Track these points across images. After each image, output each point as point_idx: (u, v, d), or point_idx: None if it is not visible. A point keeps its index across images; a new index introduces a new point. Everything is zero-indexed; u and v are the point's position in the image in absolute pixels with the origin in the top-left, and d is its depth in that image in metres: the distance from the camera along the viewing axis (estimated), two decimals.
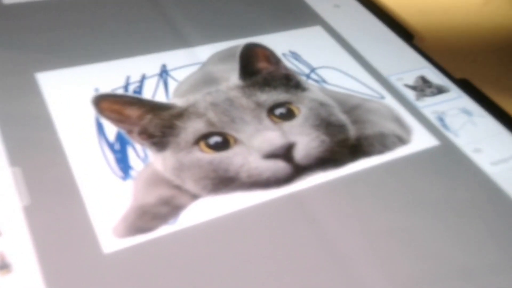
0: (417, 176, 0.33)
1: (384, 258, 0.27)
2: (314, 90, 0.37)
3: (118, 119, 0.32)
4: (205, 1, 0.44)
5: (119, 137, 0.30)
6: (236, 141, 0.32)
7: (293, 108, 0.35)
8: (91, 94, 0.33)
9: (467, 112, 0.39)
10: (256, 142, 0.32)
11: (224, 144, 0.31)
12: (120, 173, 0.28)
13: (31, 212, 0.26)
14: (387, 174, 0.33)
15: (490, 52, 0.47)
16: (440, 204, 0.31)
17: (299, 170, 0.31)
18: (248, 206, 0.28)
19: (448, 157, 0.35)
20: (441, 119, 0.38)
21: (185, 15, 0.41)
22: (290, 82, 0.38)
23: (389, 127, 0.36)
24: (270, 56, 0.39)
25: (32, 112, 0.31)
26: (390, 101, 0.38)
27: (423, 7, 0.52)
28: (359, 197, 0.31)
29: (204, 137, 0.31)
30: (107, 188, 0.28)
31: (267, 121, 0.33)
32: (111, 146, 0.30)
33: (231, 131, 0.32)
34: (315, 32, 0.43)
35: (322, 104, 0.36)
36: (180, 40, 0.38)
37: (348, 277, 0.26)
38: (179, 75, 0.36)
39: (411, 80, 0.41)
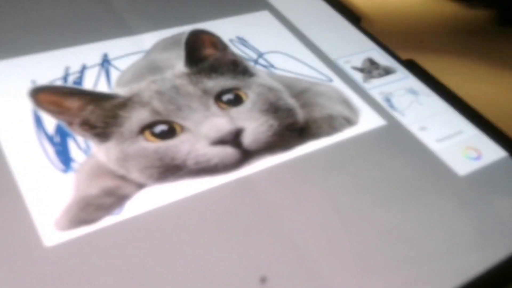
0: (365, 156, 0.33)
1: (333, 237, 0.27)
2: (262, 75, 0.37)
3: (58, 111, 0.30)
4: None
5: (59, 129, 0.29)
6: (183, 129, 0.31)
7: (241, 94, 0.35)
8: (27, 87, 0.31)
9: (413, 92, 0.40)
10: (204, 129, 0.31)
11: (170, 132, 0.30)
12: (60, 166, 0.27)
13: None
14: (335, 155, 0.33)
15: (435, 33, 0.48)
16: (389, 182, 0.32)
17: (247, 155, 0.31)
18: (196, 192, 0.28)
19: (395, 136, 0.35)
20: (388, 100, 0.38)
21: (127, 1, 0.40)
22: (237, 68, 0.37)
23: (337, 109, 0.36)
24: (216, 42, 0.38)
25: None
26: (338, 83, 0.38)
27: None
28: (308, 179, 0.31)
29: (149, 126, 0.30)
30: (47, 182, 0.26)
31: (214, 108, 0.33)
32: (50, 138, 0.29)
33: (177, 119, 0.31)
34: (262, 17, 0.42)
35: (270, 89, 0.36)
36: (122, 28, 0.37)
37: (298, 257, 0.26)
38: (122, 64, 0.34)
39: (358, 62, 0.41)
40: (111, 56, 0.35)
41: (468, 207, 0.31)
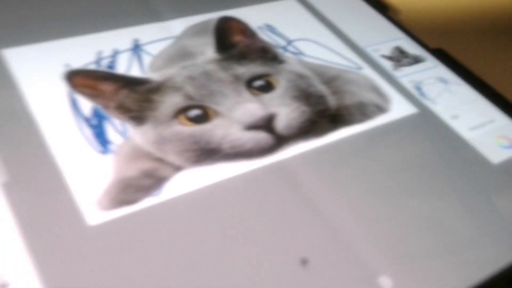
0: (398, 143, 0.33)
1: (369, 220, 0.27)
2: (291, 62, 0.37)
3: (93, 95, 0.30)
4: None
5: (96, 112, 0.29)
6: (216, 113, 0.31)
7: (272, 80, 0.34)
8: (62, 70, 0.31)
9: (443, 81, 0.39)
10: (237, 114, 0.31)
11: (204, 116, 0.30)
12: (99, 148, 0.27)
13: (10, 189, 0.24)
14: (367, 142, 0.33)
15: (464, 21, 0.48)
16: (422, 170, 0.32)
17: (281, 140, 0.31)
18: (232, 176, 0.28)
19: (427, 124, 0.35)
20: (418, 88, 0.38)
21: None
22: (267, 54, 0.37)
23: (368, 96, 0.36)
24: (245, 29, 0.38)
25: (1, 91, 0.29)
26: (368, 71, 0.38)
27: None
28: (343, 165, 0.31)
29: (183, 110, 0.30)
30: (87, 163, 0.26)
31: (246, 94, 0.32)
32: (87, 121, 0.29)
33: (210, 104, 0.31)
34: (290, 5, 0.42)
35: (300, 76, 0.36)
36: (152, 14, 0.37)
37: (337, 240, 0.26)
38: (153, 50, 0.34)
39: (387, 51, 0.41)
40: (142, 41, 0.35)
41: (502, 195, 0.31)
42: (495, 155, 0.33)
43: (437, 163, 0.32)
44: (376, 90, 0.36)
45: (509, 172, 0.32)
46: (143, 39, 0.35)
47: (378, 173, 0.31)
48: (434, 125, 0.35)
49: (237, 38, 0.38)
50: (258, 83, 0.34)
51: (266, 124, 0.31)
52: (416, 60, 0.40)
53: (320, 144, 0.31)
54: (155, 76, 0.33)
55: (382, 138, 0.33)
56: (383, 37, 0.42)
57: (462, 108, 0.36)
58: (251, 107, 0.32)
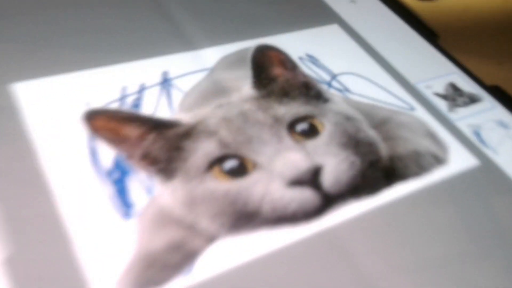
0: (457, 202, 0.29)
1: None
2: (337, 101, 0.33)
3: (116, 140, 0.26)
4: None
5: (118, 164, 0.25)
6: (254, 165, 0.27)
7: (316, 123, 0.30)
8: (81, 109, 0.28)
9: (504, 125, 0.35)
10: (278, 165, 0.27)
11: (241, 169, 0.26)
12: (120, 210, 0.23)
13: (12, 266, 0.21)
14: (425, 201, 0.28)
15: None
16: (484, 235, 0.28)
17: (329, 200, 0.26)
18: (275, 248, 0.24)
19: (489, 179, 0.31)
20: (477, 134, 0.34)
21: (189, 14, 0.35)
22: (310, 91, 0.33)
23: (424, 144, 0.32)
24: (285, 61, 0.34)
25: (8, 133, 0.25)
26: (422, 113, 0.34)
27: (441, 4, 0.48)
28: (398, 229, 0.26)
29: (218, 161, 0.26)
30: (105, 230, 0.22)
31: (288, 140, 0.28)
32: (108, 174, 0.25)
33: (248, 153, 0.27)
34: (332, 31, 0.38)
35: (348, 118, 0.32)
36: (184, 42, 0.33)
37: None
38: (184, 84, 0.30)
39: (440, 88, 0.37)
40: (172, 74, 0.31)
41: None
42: None
43: (503, 227, 0.28)
44: (432, 136, 0.32)
45: None
46: (173, 71, 0.31)
47: (438, 238, 0.26)
48: (498, 180, 0.31)
49: (277, 70, 0.34)
50: (301, 126, 0.30)
51: (311, 178, 0.27)
52: (472, 99, 0.36)
53: (373, 204, 0.27)
54: (185, 117, 0.29)
55: (440, 197, 0.29)
56: (434, 71, 0.38)
57: None
58: (294, 158, 0.28)
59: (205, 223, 0.24)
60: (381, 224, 0.26)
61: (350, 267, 0.24)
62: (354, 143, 0.30)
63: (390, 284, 0.24)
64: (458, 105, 0.35)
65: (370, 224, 0.26)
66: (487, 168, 0.31)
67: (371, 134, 0.31)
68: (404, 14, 0.42)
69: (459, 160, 0.31)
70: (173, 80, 0.31)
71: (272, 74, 0.33)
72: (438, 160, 0.31)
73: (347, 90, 0.34)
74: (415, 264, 0.25)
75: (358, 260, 0.24)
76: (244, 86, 0.31)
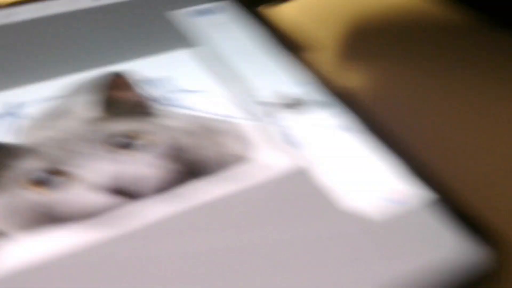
0: (258, 199, 0.33)
1: None
2: (170, 117, 0.38)
3: None
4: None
5: None
6: (69, 176, 0.32)
7: (141, 136, 0.35)
8: None
9: (332, 127, 0.38)
10: (90, 174, 0.32)
11: (55, 180, 0.32)
12: None
13: None
14: (231, 201, 0.33)
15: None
16: (290, 229, 0.31)
17: (134, 201, 0.31)
18: (76, 249, 0.29)
19: (299, 178, 0.34)
20: (286, 135, 0.37)
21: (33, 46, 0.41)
22: (145, 109, 0.38)
23: (231, 146, 0.36)
24: (125, 84, 0.39)
25: None
26: (239, 119, 0.38)
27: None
28: (203, 229, 0.31)
29: (32, 174, 0.32)
30: None
31: (108, 152, 0.34)
32: None
33: (66, 167, 0.32)
34: (181, 56, 0.43)
35: (171, 130, 0.36)
36: (35, 73, 0.39)
37: None
38: (34, 112, 0.36)
39: (265, 97, 0.40)
40: (21, 104, 0.37)
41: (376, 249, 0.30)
42: (381, 210, 0.32)
43: (307, 220, 0.32)
44: (242, 139, 0.36)
45: (394, 228, 0.31)
46: (24, 101, 0.37)
47: (237, 237, 0.31)
48: (305, 179, 0.34)
49: (117, 94, 0.39)
50: (125, 140, 0.35)
51: (120, 184, 0.32)
52: (314, 105, 0.40)
53: (178, 205, 0.31)
54: (22, 139, 0.35)
55: (238, 192, 0.33)
56: (265, 82, 0.42)
57: (344, 160, 0.35)
58: (106, 167, 0.33)
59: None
60: (186, 222, 0.31)
61: (148, 263, 0.29)
62: (173, 152, 0.35)
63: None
64: (279, 111, 0.39)
65: (174, 223, 0.31)
66: (296, 166, 0.35)
67: (190, 142, 0.36)
68: (262, 27, 0.46)
69: (264, 160, 0.35)
70: (23, 109, 0.37)
71: (112, 97, 0.39)
72: (242, 159, 0.35)
73: (183, 106, 0.39)
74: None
75: (160, 260, 0.29)
76: (85, 109, 0.37)
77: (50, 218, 0.30)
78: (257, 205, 0.32)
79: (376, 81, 0.45)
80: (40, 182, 0.31)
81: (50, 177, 0.32)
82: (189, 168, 0.34)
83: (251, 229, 0.31)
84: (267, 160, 0.35)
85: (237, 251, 0.30)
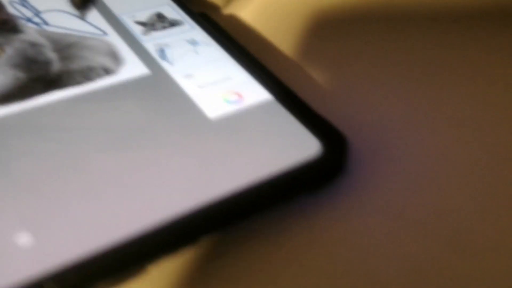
0: (117, 104, 0.34)
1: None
2: (29, 32, 0.38)
3: None
4: None
5: None
6: None
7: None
8: None
9: (193, 43, 0.40)
10: None
11: None
12: None
13: None
14: (84, 104, 0.34)
15: None
16: (140, 130, 0.33)
17: None
18: None
19: (155, 85, 0.36)
20: (161, 51, 0.39)
21: None
22: (5, 26, 0.38)
23: (100, 60, 0.37)
24: None
25: None
26: (113, 37, 0.39)
27: None
28: (48, 129, 0.32)
29: None
30: None
31: None
32: None
33: None
34: None
35: (32, 44, 0.37)
36: None
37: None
38: None
39: (144, 17, 0.42)
40: None
41: (213, 145, 0.33)
42: (217, 110, 0.35)
43: (157, 121, 0.33)
44: (113, 54, 0.38)
45: (227, 125, 0.34)
46: None
47: (91, 136, 0.32)
48: (163, 85, 0.36)
49: None
50: None
51: None
52: (173, 24, 0.42)
53: (20, 108, 0.32)
54: None
55: (100, 101, 0.34)
56: (145, 3, 0.43)
57: (201, 68, 0.38)
58: None
59: None
60: (27, 124, 0.32)
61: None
62: (28, 63, 0.35)
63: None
64: (155, 29, 0.41)
65: (11, 125, 0.31)
66: (156, 76, 0.36)
67: (50, 55, 0.37)
68: None
69: (129, 71, 0.37)
70: None
71: None
72: (108, 72, 0.36)
73: (46, 23, 0.39)
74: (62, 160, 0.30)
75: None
76: None
77: None
78: (109, 101, 0.34)
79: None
80: None
81: None
82: (49, 82, 0.34)
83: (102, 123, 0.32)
84: (130, 71, 0.36)
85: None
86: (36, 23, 0.38)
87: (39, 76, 0.34)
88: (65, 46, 0.37)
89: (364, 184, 0.33)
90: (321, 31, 0.44)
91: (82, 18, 0.39)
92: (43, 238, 0.26)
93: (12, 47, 0.35)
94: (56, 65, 0.35)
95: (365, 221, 0.31)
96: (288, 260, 0.29)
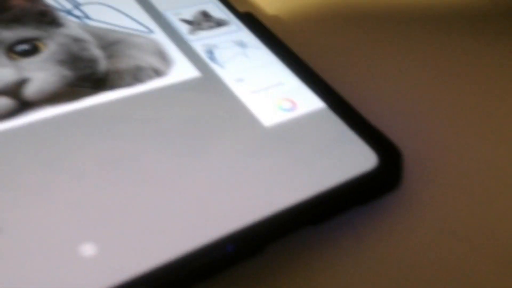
0: (169, 107, 0.32)
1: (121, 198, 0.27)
2: (71, 26, 0.35)
3: None
4: None
5: None
6: None
7: (40, 44, 0.33)
8: None
9: (241, 45, 0.38)
10: None
11: None
12: None
13: None
14: (135, 107, 0.32)
15: None
16: (191, 133, 0.31)
17: (24, 106, 0.29)
18: None
19: (206, 88, 0.34)
20: (210, 52, 0.37)
21: None
22: (44, 18, 0.35)
23: (148, 60, 0.35)
24: None
25: None
26: (159, 35, 0.37)
27: None
28: (98, 131, 0.30)
29: None
30: None
31: (2, 59, 0.31)
32: None
33: None
34: None
35: (75, 40, 0.34)
36: None
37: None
38: None
39: (189, 15, 0.40)
40: None
41: (270, 154, 0.31)
42: (272, 117, 0.33)
43: (208, 126, 0.32)
44: (161, 54, 0.35)
45: (282, 133, 0.32)
46: None
47: (143, 136, 0.30)
48: (214, 88, 0.34)
49: (15, 1, 0.36)
50: (22, 47, 0.32)
51: (14, 89, 0.30)
52: (219, 24, 0.40)
53: (71, 108, 0.30)
54: None
55: (153, 103, 0.32)
56: (189, 1, 0.41)
57: (251, 72, 0.36)
58: (2, 72, 0.30)
59: None
60: (79, 125, 0.29)
61: (38, 161, 0.27)
62: (73, 60, 0.33)
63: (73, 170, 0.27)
64: (202, 29, 0.39)
65: (65, 125, 0.29)
66: (207, 79, 0.34)
67: (96, 52, 0.34)
68: None
69: (180, 73, 0.34)
70: None
71: (8, 4, 0.35)
72: (158, 73, 0.34)
73: (87, 17, 0.37)
74: (111, 160, 0.28)
75: (54, 161, 0.27)
76: None
77: None
78: (159, 105, 0.32)
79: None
80: None
81: None
82: (97, 82, 0.32)
83: (158, 129, 0.30)
84: (181, 73, 0.34)
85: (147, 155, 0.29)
86: (77, 16, 0.36)
87: (86, 74, 0.32)
88: (111, 43, 0.34)
89: (416, 198, 0.32)
90: (369, 36, 0.43)
91: (125, 13, 0.37)
92: (108, 250, 0.24)
93: (55, 42, 0.33)
94: (103, 64, 0.33)
95: (416, 236, 0.30)
96: (335, 273, 0.28)
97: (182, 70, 0.35)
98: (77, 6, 0.36)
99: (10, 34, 0.32)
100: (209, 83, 0.35)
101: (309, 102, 0.35)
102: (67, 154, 0.28)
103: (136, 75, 0.33)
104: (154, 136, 0.30)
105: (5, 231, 0.23)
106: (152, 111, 0.32)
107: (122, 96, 0.32)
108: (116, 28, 0.36)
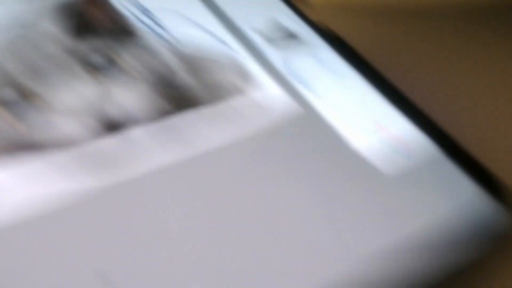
0: (257, 134, 0.29)
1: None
2: (146, 37, 0.33)
3: None
4: None
5: None
6: (35, 95, 0.27)
7: (116, 57, 0.30)
8: None
9: (318, 60, 0.36)
10: (62, 96, 0.27)
11: (17, 98, 0.26)
12: None
13: None
14: (213, 124, 0.29)
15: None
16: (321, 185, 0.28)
17: (111, 127, 0.27)
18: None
19: (308, 124, 0.31)
20: (288, 66, 0.35)
21: None
22: (118, 28, 0.33)
23: (228, 77, 0.32)
24: (104, 2, 0.34)
25: None
26: (236, 48, 0.34)
27: None
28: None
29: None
30: None
31: (79, 72, 0.28)
32: None
33: (30, 83, 0.27)
34: None
35: (152, 53, 0.32)
36: None
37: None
38: None
39: (262, 25, 0.37)
40: None
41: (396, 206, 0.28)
42: (388, 163, 0.30)
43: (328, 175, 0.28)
44: (240, 70, 0.33)
45: (403, 182, 0.29)
46: None
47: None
48: (314, 123, 0.31)
49: (84, 7, 0.33)
50: (97, 59, 0.30)
51: (96, 108, 0.27)
52: (294, 36, 0.37)
53: (156, 128, 0.28)
54: None
55: (233, 122, 0.29)
56: (261, 9, 0.38)
57: (350, 105, 0.32)
58: (81, 89, 0.28)
59: None
60: (165, 142, 0.27)
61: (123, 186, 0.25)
62: (153, 76, 0.31)
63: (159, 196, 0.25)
64: (278, 44, 0.36)
65: (149, 144, 0.27)
66: (309, 117, 0.31)
67: (174, 66, 0.32)
68: None
69: (263, 92, 0.32)
70: None
71: (78, 9, 0.33)
72: (238, 90, 0.32)
73: (161, 27, 0.34)
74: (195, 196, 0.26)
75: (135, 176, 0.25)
76: (43, 20, 0.31)
77: (23, 145, 0.24)
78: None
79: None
80: (7, 104, 0.25)
81: (19, 100, 0.26)
82: (177, 98, 0.30)
83: (259, 173, 0.28)
84: (268, 97, 0.32)
85: (245, 199, 0.26)
86: (150, 26, 0.33)
87: (167, 92, 0.29)
88: (189, 57, 0.32)
89: None
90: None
91: (197, 23, 0.35)
92: None
93: (131, 55, 0.30)
94: (183, 78, 0.30)
95: None
96: None
97: (264, 89, 0.32)
98: (149, 13, 0.34)
99: (84, 44, 0.30)
100: (308, 118, 0.31)
101: (420, 144, 0.31)
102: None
103: (216, 92, 0.31)
104: (255, 173, 0.27)
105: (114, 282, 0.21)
106: (236, 132, 0.29)
107: (205, 113, 0.29)
108: (193, 39, 0.33)
